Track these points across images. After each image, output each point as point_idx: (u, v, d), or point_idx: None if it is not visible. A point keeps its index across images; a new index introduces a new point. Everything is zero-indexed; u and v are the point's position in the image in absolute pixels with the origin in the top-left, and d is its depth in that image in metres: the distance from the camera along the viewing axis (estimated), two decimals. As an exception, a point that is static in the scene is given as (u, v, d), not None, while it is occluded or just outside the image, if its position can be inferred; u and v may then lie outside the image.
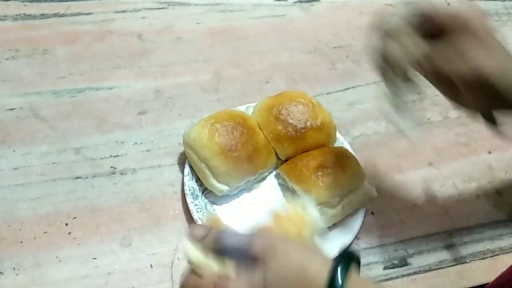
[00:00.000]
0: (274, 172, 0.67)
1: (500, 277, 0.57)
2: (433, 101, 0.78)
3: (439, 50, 0.44)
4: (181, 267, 0.60)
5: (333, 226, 0.62)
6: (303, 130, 0.64)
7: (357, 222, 0.63)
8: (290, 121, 0.64)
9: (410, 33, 0.45)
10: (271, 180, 0.67)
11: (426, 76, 0.46)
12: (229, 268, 0.42)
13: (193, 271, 0.44)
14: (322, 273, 0.39)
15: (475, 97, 0.45)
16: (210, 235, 0.44)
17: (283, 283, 0.40)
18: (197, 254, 0.43)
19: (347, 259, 0.40)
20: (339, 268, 0.39)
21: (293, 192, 0.64)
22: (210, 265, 0.43)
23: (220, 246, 0.43)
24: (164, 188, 0.65)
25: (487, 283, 0.59)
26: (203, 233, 0.44)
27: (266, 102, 0.67)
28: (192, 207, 0.61)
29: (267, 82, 0.78)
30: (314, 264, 0.40)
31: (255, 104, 0.68)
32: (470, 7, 0.44)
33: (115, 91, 0.73)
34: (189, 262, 0.43)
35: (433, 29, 0.45)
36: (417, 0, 0.45)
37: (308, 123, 0.65)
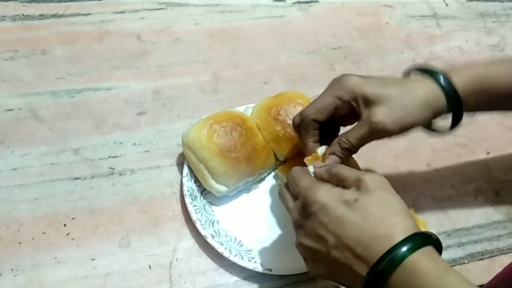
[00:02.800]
0: (273, 173, 0.67)
1: (495, 278, 0.57)
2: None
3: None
4: (180, 268, 0.60)
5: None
6: (302, 131, 0.64)
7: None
8: (288, 122, 0.64)
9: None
10: (270, 181, 0.67)
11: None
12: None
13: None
14: (403, 231, 0.41)
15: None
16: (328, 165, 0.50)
17: (370, 210, 0.42)
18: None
19: (426, 238, 0.41)
20: (413, 241, 0.40)
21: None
22: None
23: (334, 171, 0.47)
24: (163, 189, 0.65)
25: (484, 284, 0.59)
26: (319, 162, 0.51)
27: (265, 103, 0.67)
28: (190, 208, 0.61)
29: (266, 83, 0.78)
30: (403, 221, 0.41)
31: (253, 105, 0.68)
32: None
33: (114, 91, 0.73)
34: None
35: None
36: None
37: (307, 124, 0.65)
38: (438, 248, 0.42)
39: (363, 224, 0.41)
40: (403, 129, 0.51)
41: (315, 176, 0.50)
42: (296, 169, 0.50)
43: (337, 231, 0.42)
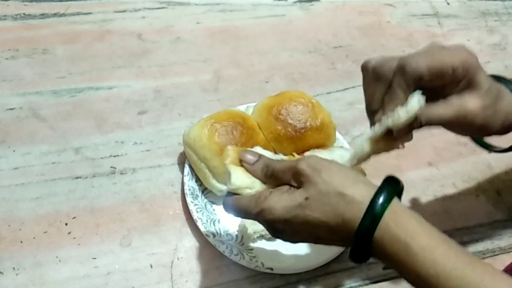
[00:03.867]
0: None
1: None
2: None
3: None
4: (181, 267, 0.60)
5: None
6: (303, 130, 0.64)
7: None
8: (289, 121, 0.64)
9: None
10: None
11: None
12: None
13: (233, 194, 0.47)
14: (363, 197, 0.41)
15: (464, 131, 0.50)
16: (261, 161, 0.46)
17: (323, 201, 0.42)
18: (240, 176, 0.46)
19: (391, 188, 0.42)
20: (381, 197, 0.41)
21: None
22: (254, 185, 0.46)
23: (269, 171, 0.45)
24: (164, 188, 0.65)
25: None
26: (254, 158, 0.47)
27: (266, 102, 0.67)
28: (192, 207, 0.61)
29: (267, 82, 0.78)
30: (357, 188, 0.42)
31: (254, 104, 0.68)
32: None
33: (115, 91, 0.73)
34: (231, 185, 0.46)
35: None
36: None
37: (308, 123, 0.65)
38: (398, 188, 0.43)
39: (325, 217, 0.42)
40: (479, 131, 0.48)
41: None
42: (230, 203, 0.46)
43: (311, 232, 0.43)
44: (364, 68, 0.49)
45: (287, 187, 0.44)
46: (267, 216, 0.43)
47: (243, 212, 0.46)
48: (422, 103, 0.45)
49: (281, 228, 0.44)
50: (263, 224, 0.45)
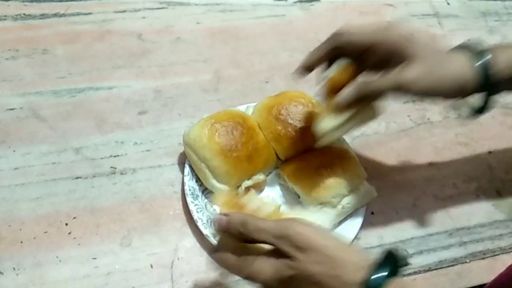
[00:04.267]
0: (274, 172, 0.67)
1: (497, 278, 0.57)
2: (433, 101, 0.78)
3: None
4: (181, 267, 0.60)
5: (333, 226, 0.62)
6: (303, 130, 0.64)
7: (357, 222, 0.63)
8: (290, 121, 0.64)
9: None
10: (271, 180, 0.67)
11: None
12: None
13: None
14: (355, 279, 0.39)
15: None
16: (233, 225, 0.44)
17: (311, 281, 0.40)
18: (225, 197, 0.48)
19: (389, 267, 0.40)
20: (376, 278, 0.38)
21: (293, 192, 0.64)
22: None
23: (247, 237, 0.43)
24: (164, 188, 0.65)
25: (486, 283, 0.59)
26: (225, 224, 0.45)
27: (266, 102, 0.67)
28: (192, 207, 0.61)
29: (267, 82, 0.78)
30: (349, 267, 0.40)
31: (255, 104, 0.68)
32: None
33: (115, 91, 0.73)
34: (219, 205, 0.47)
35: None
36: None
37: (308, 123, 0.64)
38: (394, 261, 0.41)
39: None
40: (424, 93, 0.51)
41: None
42: (220, 261, 0.46)
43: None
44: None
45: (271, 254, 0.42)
46: (258, 280, 0.42)
47: (235, 274, 0.45)
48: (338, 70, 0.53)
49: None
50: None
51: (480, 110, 0.55)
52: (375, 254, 0.41)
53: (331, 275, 0.39)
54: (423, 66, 0.50)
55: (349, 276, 0.39)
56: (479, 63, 0.51)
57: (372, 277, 0.38)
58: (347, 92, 0.52)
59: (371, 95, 0.52)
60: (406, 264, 0.41)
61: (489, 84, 0.52)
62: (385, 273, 0.38)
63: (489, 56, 0.52)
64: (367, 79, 0.52)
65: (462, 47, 0.54)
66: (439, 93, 0.51)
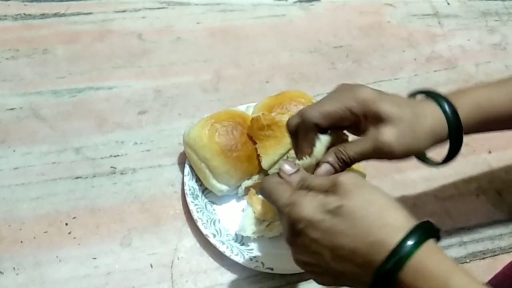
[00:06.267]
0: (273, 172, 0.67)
1: (494, 278, 0.57)
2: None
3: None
4: (181, 267, 0.60)
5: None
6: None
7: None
8: (290, 121, 0.64)
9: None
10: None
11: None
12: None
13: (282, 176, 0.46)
14: (402, 224, 0.39)
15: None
16: (298, 174, 0.46)
17: (356, 215, 0.39)
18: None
19: (430, 228, 0.40)
20: (420, 230, 0.39)
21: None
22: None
23: (305, 185, 0.44)
24: (164, 188, 0.65)
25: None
26: (292, 169, 0.46)
27: (266, 102, 0.67)
28: (192, 207, 0.61)
29: (267, 82, 0.78)
30: (398, 215, 0.40)
31: (255, 104, 0.68)
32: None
33: (115, 91, 0.73)
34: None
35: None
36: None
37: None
38: (436, 232, 0.41)
39: (354, 232, 0.39)
40: (406, 155, 0.49)
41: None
42: (268, 182, 0.47)
43: (330, 244, 0.40)
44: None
45: (323, 193, 0.42)
46: (294, 211, 0.42)
47: (274, 196, 0.45)
48: (325, 144, 0.49)
49: (302, 228, 0.41)
50: (283, 220, 0.44)
51: (451, 156, 0.53)
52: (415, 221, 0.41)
53: (372, 221, 0.40)
54: (401, 125, 0.48)
55: (384, 236, 0.39)
56: (448, 110, 0.50)
57: (410, 238, 0.38)
58: (323, 168, 0.48)
59: (349, 162, 0.49)
60: (439, 235, 0.42)
61: (459, 129, 0.50)
62: (421, 236, 0.39)
63: (451, 102, 0.50)
64: (339, 147, 0.49)
65: (422, 94, 0.53)
66: (418, 149, 0.49)
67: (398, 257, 0.38)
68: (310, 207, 0.41)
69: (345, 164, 0.48)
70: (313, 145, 0.49)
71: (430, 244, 0.39)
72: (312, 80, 0.80)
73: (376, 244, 0.38)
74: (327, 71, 0.81)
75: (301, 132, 0.49)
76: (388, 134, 0.47)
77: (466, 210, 0.69)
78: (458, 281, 0.37)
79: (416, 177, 0.71)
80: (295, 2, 0.90)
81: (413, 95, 0.54)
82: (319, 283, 0.45)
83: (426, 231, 0.39)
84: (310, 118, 0.48)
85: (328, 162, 0.48)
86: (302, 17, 0.88)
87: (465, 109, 0.51)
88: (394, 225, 0.39)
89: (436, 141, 0.50)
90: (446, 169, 0.72)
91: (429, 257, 0.38)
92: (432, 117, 0.50)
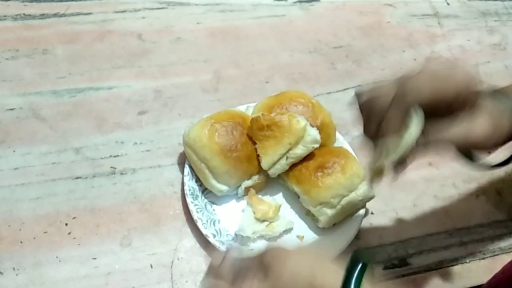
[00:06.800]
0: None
1: (493, 278, 0.57)
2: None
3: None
4: (181, 267, 0.60)
5: (333, 226, 0.62)
6: (303, 130, 0.64)
7: (357, 222, 0.63)
8: (290, 121, 0.64)
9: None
10: (271, 181, 0.67)
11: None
12: None
13: (212, 274, 0.45)
14: (334, 283, 0.39)
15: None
16: (226, 261, 0.45)
17: None
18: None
19: (359, 268, 0.40)
20: (352, 280, 0.39)
21: (293, 192, 0.64)
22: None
23: (237, 271, 0.44)
24: (164, 188, 0.65)
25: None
26: (219, 260, 0.45)
27: (266, 102, 0.67)
28: (192, 207, 0.61)
29: (267, 82, 0.78)
30: (326, 274, 0.40)
31: (255, 104, 0.68)
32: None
33: (115, 91, 0.73)
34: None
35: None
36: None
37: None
38: (364, 261, 0.41)
39: None
40: (486, 148, 0.48)
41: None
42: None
43: None
44: (359, 97, 0.48)
45: (256, 281, 0.42)
46: None
47: None
48: (420, 127, 0.44)
49: None
50: None
51: (506, 161, 0.52)
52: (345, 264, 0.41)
53: None
54: (492, 119, 0.46)
55: None
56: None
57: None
58: (404, 146, 0.45)
59: (439, 144, 0.46)
60: (371, 262, 0.42)
61: None
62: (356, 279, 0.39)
63: None
64: (436, 129, 0.45)
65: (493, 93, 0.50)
66: (497, 142, 0.47)
67: None
68: None
69: (424, 148, 0.46)
70: (405, 126, 0.44)
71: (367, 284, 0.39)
72: (312, 80, 0.80)
73: None
74: (327, 71, 0.81)
75: (394, 108, 0.44)
76: (482, 126, 0.45)
77: (466, 210, 0.69)
78: None
79: (416, 177, 0.71)
80: (295, 2, 0.90)
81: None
82: None
83: (358, 274, 0.39)
84: (418, 95, 0.43)
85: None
86: (302, 17, 0.88)
87: None
88: None
89: (507, 140, 0.48)
90: (446, 169, 0.73)
91: None
92: (507, 117, 0.47)
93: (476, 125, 0.45)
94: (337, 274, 0.40)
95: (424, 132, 0.45)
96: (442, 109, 0.45)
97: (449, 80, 0.44)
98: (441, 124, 0.45)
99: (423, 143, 0.45)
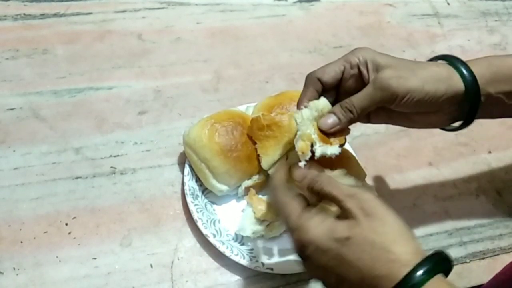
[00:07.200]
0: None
1: (494, 278, 0.57)
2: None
3: None
4: (181, 267, 0.60)
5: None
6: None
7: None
8: (290, 121, 0.64)
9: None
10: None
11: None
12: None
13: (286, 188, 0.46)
14: (408, 261, 0.39)
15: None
16: (308, 178, 0.46)
17: (364, 248, 0.39)
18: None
19: (439, 262, 0.39)
20: (425, 267, 0.38)
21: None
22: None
23: (316, 188, 0.45)
24: (164, 188, 0.65)
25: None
26: (302, 175, 0.47)
27: (266, 102, 0.67)
28: (192, 207, 0.61)
29: (267, 82, 0.78)
30: (402, 252, 0.39)
31: (255, 104, 0.68)
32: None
33: (115, 91, 0.73)
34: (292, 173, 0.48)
35: None
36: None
37: (308, 123, 0.64)
38: (447, 265, 0.41)
39: (360, 264, 0.39)
40: (409, 93, 0.48)
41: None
42: (278, 196, 0.46)
43: (337, 271, 0.41)
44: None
45: (332, 216, 0.42)
46: (301, 236, 0.42)
47: (283, 215, 0.45)
48: (325, 104, 0.50)
49: (309, 253, 0.42)
50: (292, 240, 0.44)
51: (469, 119, 0.53)
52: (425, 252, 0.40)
53: (379, 255, 0.39)
54: (400, 67, 0.48)
55: (389, 271, 0.39)
56: (461, 66, 0.50)
57: (416, 273, 0.38)
58: (328, 118, 0.49)
59: (354, 112, 0.49)
60: (451, 266, 0.41)
61: (477, 91, 0.50)
62: (428, 272, 0.38)
63: (464, 62, 0.51)
64: (347, 98, 0.50)
65: (437, 59, 0.53)
66: (422, 91, 0.48)
67: None
68: (317, 232, 0.41)
69: (349, 114, 0.49)
70: (314, 96, 0.51)
71: (437, 280, 0.38)
72: (312, 80, 0.80)
73: (381, 279, 0.38)
74: (327, 71, 0.81)
75: (304, 86, 0.51)
76: (386, 73, 0.48)
77: (466, 210, 0.69)
78: None
79: (416, 177, 0.71)
80: (295, 2, 0.90)
81: (430, 61, 0.54)
82: None
83: (434, 265, 0.39)
84: (313, 74, 0.51)
85: (333, 113, 0.49)
86: (302, 17, 0.88)
87: (478, 69, 0.50)
88: (400, 260, 0.39)
89: (448, 91, 0.49)
90: (446, 169, 0.73)
91: None
92: (438, 67, 0.50)
93: (379, 76, 0.48)
94: (417, 253, 0.40)
95: (345, 101, 0.50)
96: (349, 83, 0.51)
97: (340, 58, 0.51)
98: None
99: (343, 114, 0.49)
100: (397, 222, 0.41)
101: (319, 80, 0.50)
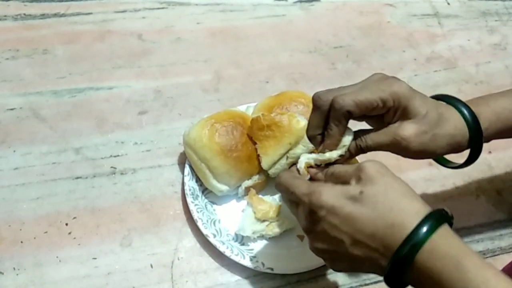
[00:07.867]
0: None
1: None
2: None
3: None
4: (181, 267, 0.60)
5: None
6: (303, 130, 0.64)
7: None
8: (290, 121, 0.64)
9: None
10: (271, 180, 0.67)
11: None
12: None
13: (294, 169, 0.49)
14: (419, 210, 0.41)
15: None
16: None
17: (378, 200, 0.42)
18: (307, 157, 0.49)
19: (445, 214, 0.42)
20: (436, 215, 0.41)
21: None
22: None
23: (330, 171, 0.47)
24: (164, 188, 0.65)
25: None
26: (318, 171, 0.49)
27: (266, 102, 0.67)
28: (192, 207, 0.61)
29: (267, 82, 0.78)
30: (413, 204, 0.42)
31: (255, 104, 0.68)
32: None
33: (115, 91, 0.73)
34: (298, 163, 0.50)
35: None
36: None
37: (308, 123, 0.64)
38: (450, 219, 0.43)
39: (374, 215, 0.41)
40: (421, 154, 0.50)
41: (310, 178, 0.49)
42: (285, 176, 0.48)
43: (350, 230, 0.42)
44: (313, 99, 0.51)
45: (341, 183, 0.44)
46: (314, 198, 0.43)
47: (291, 188, 0.46)
48: (350, 139, 0.49)
49: (321, 216, 0.43)
50: (301, 209, 0.45)
51: (470, 161, 0.55)
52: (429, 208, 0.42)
53: (392, 205, 0.41)
54: (425, 125, 0.49)
55: (403, 219, 0.41)
56: (469, 118, 0.51)
57: (428, 222, 0.40)
58: (334, 156, 0.49)
59: (365, 150, 0.50)
60: (452, 222, 0.43)
61: (479, 136, 0.51)
62: (437, 221, 0.41)
63: (472, 110, 0.51)
64: (366, 134, 0.50)
65: (446, 100, 0.53)
66: (434, 151, 0.50)
67: (415, 241, 0.40)
68: (330, 194, 0.43)
69: (360, 151, 0.50)
70: (342, 135, 0.49)
71: (444, 228, 0.41)
72: (312, 80, 0.80)
73: (394, 227, 0.41)
74: (327, 71, 0.81)
75: (333, 119, 0.48)
76: (408, 130, 0.48)
77: (466, 210, 0.69)
78: (470, 261, 0.39)
79: (416, 177, 0.71)
80: (295, 2, 0.90)
81: (434, 98, 0.54)
82: (336, 270, 0.48)
83: (440, 217, 0.41)
84: (345, 106, 0.47)
85: (348, 150, 0.50)
86: (302, 17, 0.88)
87: (486, 118, 0.52)
88: (412, 210, 0.41)
89: (454, 148, 0.52)
90: (446, 169, 0.73)
91: (444, 240, 0.40)
92: (455, 124, 0.51)
93: (403, 128, 0.48)
94: (426, 206, 0.42)
95: (360, 138, 0.50)
96: (380, 116, 0.50)
97: (375, 89, 0.48)
98: (374, 130, 0.50)
99: (354, 149, 0.50)
100: (405, 184, 0.44)
101: (349, 112, 0.47)
